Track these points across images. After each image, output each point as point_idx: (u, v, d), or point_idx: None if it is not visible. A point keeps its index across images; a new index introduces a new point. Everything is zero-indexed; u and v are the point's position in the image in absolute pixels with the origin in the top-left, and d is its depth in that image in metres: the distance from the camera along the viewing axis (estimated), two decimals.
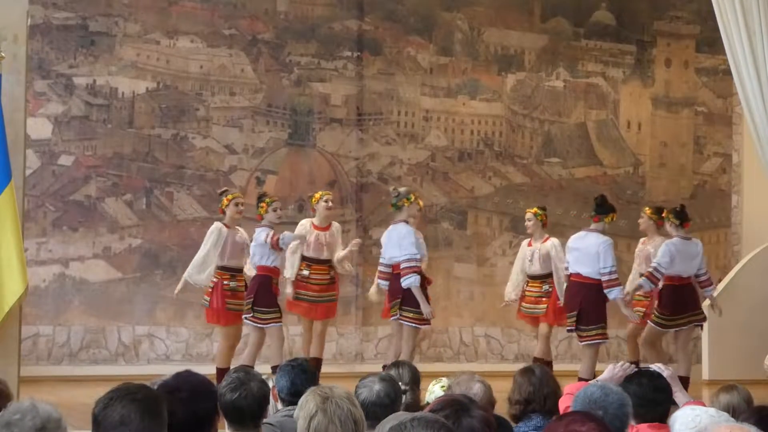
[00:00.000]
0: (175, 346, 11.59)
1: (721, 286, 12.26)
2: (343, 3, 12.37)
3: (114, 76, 11.66)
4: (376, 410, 4.45)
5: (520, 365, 5.91)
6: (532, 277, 10.66)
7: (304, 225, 10.40)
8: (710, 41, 12.95)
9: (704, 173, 13.53)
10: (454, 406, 3.37)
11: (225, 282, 9.74)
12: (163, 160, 11.75)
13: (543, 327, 10.65)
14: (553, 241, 10.59)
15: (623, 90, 13.34)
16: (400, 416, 3.15)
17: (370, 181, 12.32)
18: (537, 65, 13.04)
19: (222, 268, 9.77)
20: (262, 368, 8.61)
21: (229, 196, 9.94)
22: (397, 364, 5.75)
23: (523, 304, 10.73)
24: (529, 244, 10.73)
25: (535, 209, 10.80)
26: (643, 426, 4.67)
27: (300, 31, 12.25)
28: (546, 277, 10.59)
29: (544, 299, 10.56)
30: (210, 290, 9.74)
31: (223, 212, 9.94)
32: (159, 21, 11.83)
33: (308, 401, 3.77)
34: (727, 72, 10.58)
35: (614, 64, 13.31)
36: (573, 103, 13.15)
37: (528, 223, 10.75)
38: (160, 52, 11.82)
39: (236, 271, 9.82)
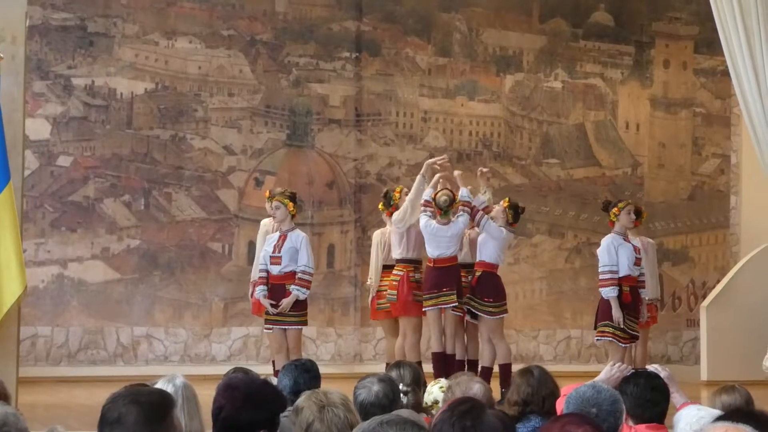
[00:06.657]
0: (173, 347, 11.58)
1: (719, 286, 12.29)
2: (341, 4, 12.36)
3: (112, 77, 11.65)
4: (375, 411, 4.44)
5: (519, 365, 5.90)
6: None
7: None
8: (708, 42, 12.94)
9: (703, 174, 13.53)
10: (475, 402, 3.42)
11: (410, 274, 9.74)
12: (162, 160, 11.75)
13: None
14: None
15: (622, 91, 13.34)
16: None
17: (369, 182, 12.31)
18: (535, 66, 13.04)
19: (406, 261, 9.76)
20: (263, 369, 8.60)
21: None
22: (398, 364, 5.70)
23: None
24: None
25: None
26: (641, 426, 4.68)
27: (298, 31, 12.24)
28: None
29: None
30: (395, 283, 9.72)
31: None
32: (157, 22, 11.83)
33: (304, 409, 3.77)
34: (726, 73, 10.59)
35: (613, 65, 13.31)
36: (571, 104, 13.14)
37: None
38: (159, 53, 11.81)
39: (418, 263, 9.84)
